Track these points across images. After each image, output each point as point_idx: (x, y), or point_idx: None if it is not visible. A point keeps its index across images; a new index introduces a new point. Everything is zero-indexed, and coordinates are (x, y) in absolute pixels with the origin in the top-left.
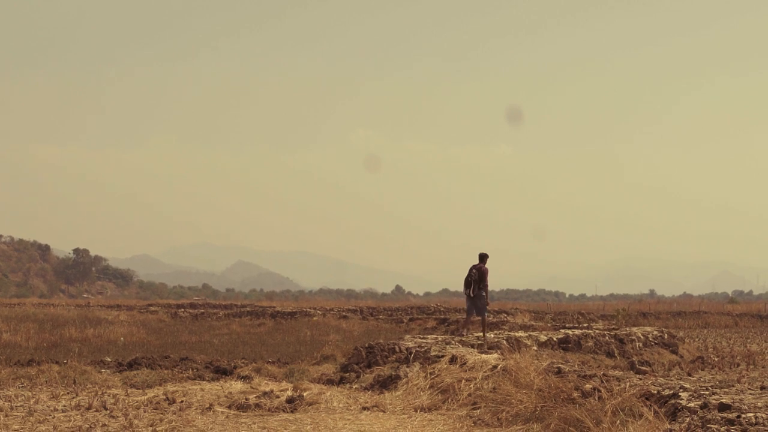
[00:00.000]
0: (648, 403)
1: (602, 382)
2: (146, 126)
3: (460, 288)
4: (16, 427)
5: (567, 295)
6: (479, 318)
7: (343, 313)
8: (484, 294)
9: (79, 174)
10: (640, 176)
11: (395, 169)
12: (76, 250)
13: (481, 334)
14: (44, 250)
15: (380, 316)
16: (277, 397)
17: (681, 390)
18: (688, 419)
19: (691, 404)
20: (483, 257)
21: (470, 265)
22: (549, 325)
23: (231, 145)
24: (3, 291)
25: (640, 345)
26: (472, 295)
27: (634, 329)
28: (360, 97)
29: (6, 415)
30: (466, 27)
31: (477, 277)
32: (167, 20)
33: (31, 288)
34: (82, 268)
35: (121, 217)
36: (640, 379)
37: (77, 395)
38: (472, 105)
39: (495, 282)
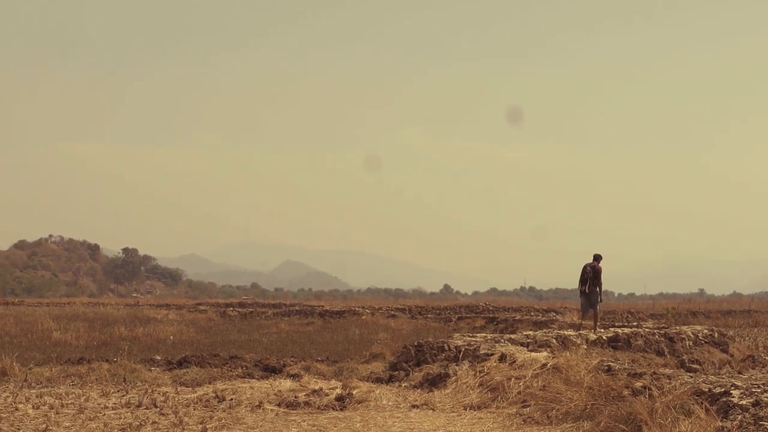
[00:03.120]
0: (699, 400)
1: (653, 380)
2: (192, 125)
3: (508, 287)
4: (67, 424)
5: (616, 294)
6: (592, 312)
7: (392, 312)
8: (598, 290)
9: (127, 173)
10: (688, 173)
11: (442, 167)
12: (125, 250)
13: (592, 327)
14: (94, 249)
15: (429, 315)
16: (327, 395)
17: (732, 388)
18: (740, 417)
19: (743, 402)
20: (597, 257)
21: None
22: (598, 324)
23: (277, 144)
24: (53, 290)
25: (690, 344)
26: (587, 291)
27: (684, 328)
28: (405, 95)
29: (57, 413)
30: (515, 24)
31: (592, 275)
32: (210, 17)
33: (80, 287)
34: (131, 267)
35: (169, 217)
36: (691, 377)
37: (127, 393)
38: (518, 103)
39: (543, 281)
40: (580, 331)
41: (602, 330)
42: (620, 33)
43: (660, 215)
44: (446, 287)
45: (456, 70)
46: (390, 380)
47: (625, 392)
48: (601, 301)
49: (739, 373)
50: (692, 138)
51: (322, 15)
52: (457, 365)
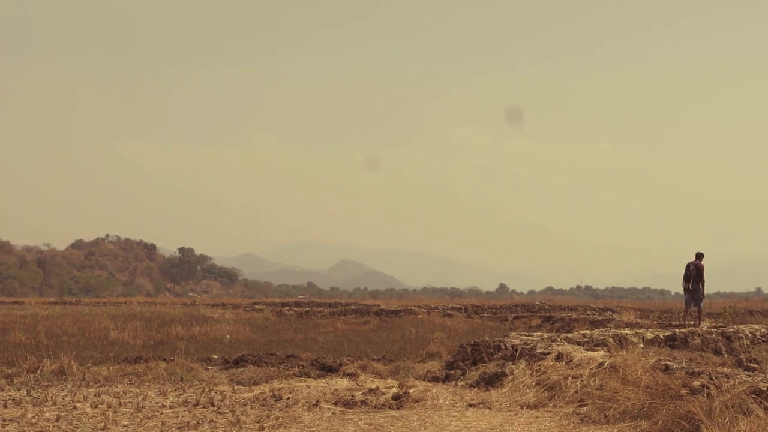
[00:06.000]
0: (758, 399)
1: (710, 379)
2: (247, 125)
3: (564, 286)
4: (125, 422)
5: (672, 293)
6: (696, 308)
7: (448, 311)
8: (701, 287)
9: (183, 173)
10: (745, 170)
11: (497, 166)
12: (182, 249)
13: (695, 322)
14: (150, 249)
15: (484, 314)
16: (383, 394)
17: None
18: None
19: None
20: (699, 255)
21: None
22: (655, 322)
23: (331, 143)
24: (110, 290)
25: (748, 342)
26: (690, 288)
27: (742, 327)
28: (460, 94)
29: (115, 411)
30: (571, 26)
31: (695, 273)
32: (261, 16)
33: (137, 287)
34: (187, 266)
35: (225, 216)
36: (749, 376)
37: (184, 392)
38: (572, 102)
39: (600, 280)
40: (684, 323)
41: (707, 324)
42: (675, 35)
43: (716, 213)
44: (502, 286)
45: (510, 69)
46: (446, 379)
47: (683, 391)
48: (703, 297)
49: None
50: (751, 135)
51: (376, 15)
52: (513, 364)
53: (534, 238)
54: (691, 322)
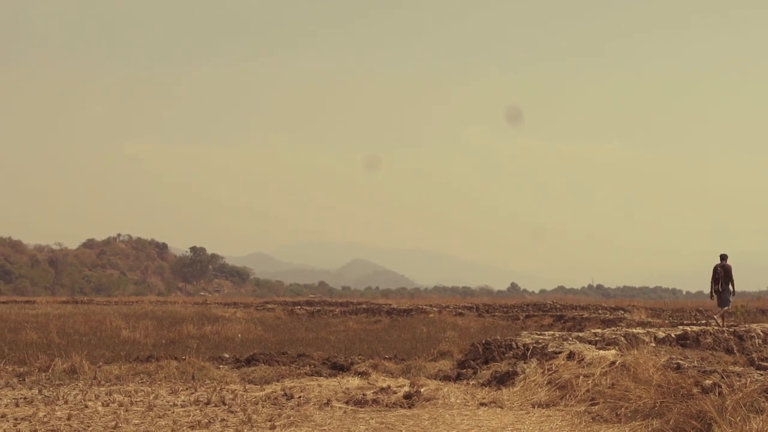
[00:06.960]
0: None
1: (722, 377)
2: (259, 124)
3: (575, 285)
4: (137, 421)
5: (684, 293)
6: (724, 309)
7: (459, 310)
8: (730, 288)
9: (194, 173)
10: (752, 168)
11: (507, 166)
12: (193, 249)
13: (718, 321)
14: (162, 248)
15: (496, 313)
16: (395, 392)
17: None
18: None
19: None
20: (724, 257)
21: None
22: (666, 321)
23: (341, 143)
24: (121, 289)
25: (760, 341)
26: (720, 290)
27: (754, 326)
28: (470, 94)
29: (126, 410)
30: (576, 25)
31: (723, 274)
32: (267, 15)
33: (149, 286)
34: (199, 266)
35: (237, 216)
36: (761, 374)
37: (196, 391)
38: (583, 102)
39: (611, 279)
40: (717, 324)
41: (726, 326)
42: (680, 36)
43: (727, 211)
44: (513, 285)
45: (520, 71)
46: (458, 378)
47: (695, 390)
48: (733, 294)
49: None
50: (760, 132)
51: (386, 11)
52: (525, 363)
53: (534, 238)
54: (732, 321)
